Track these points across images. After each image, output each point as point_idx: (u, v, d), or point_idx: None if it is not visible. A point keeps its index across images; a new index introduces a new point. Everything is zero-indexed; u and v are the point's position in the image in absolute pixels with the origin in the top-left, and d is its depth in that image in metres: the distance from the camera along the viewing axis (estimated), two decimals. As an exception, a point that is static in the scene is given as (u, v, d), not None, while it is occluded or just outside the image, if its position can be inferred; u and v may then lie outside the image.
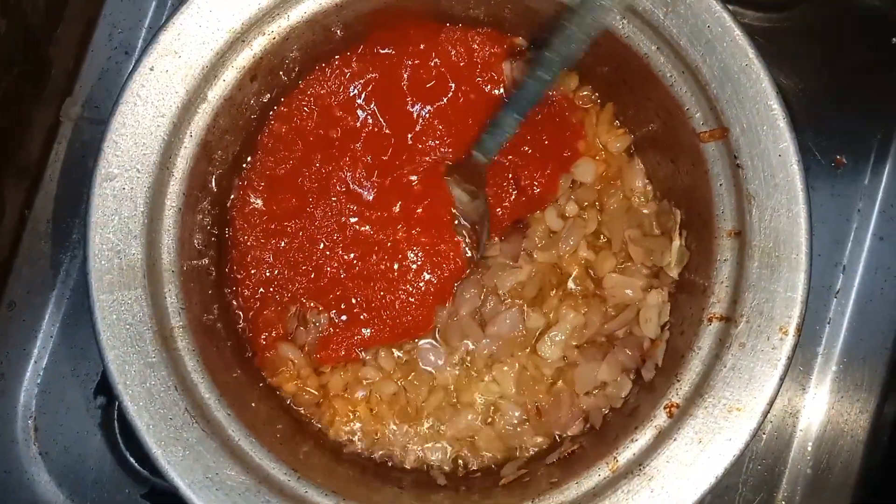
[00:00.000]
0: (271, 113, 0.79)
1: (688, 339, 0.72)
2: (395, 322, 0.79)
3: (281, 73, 0.76)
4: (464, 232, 0.80)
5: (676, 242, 0.77)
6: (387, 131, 0.80)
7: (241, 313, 0.79)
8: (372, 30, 0.78)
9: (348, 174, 0.79)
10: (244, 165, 0.79)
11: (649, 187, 0.81)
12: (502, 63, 0.80)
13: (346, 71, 0.79)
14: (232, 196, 0.79)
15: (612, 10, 0.70)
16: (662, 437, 0.69)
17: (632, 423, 0.72)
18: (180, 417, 0.67)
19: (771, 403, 0.68)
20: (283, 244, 0.79)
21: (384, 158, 0.80)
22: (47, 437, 0.90)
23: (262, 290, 0.79)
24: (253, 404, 0.74)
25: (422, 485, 0.77)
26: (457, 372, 0.80)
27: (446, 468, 0.79)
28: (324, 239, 0.79)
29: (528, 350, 0.80)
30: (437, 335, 0.81)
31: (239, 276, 0.79)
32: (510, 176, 0.80)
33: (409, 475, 0.79)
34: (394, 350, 0.81)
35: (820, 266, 0.92)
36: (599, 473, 0.70)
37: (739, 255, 0.70)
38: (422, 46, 0.79)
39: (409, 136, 0.80)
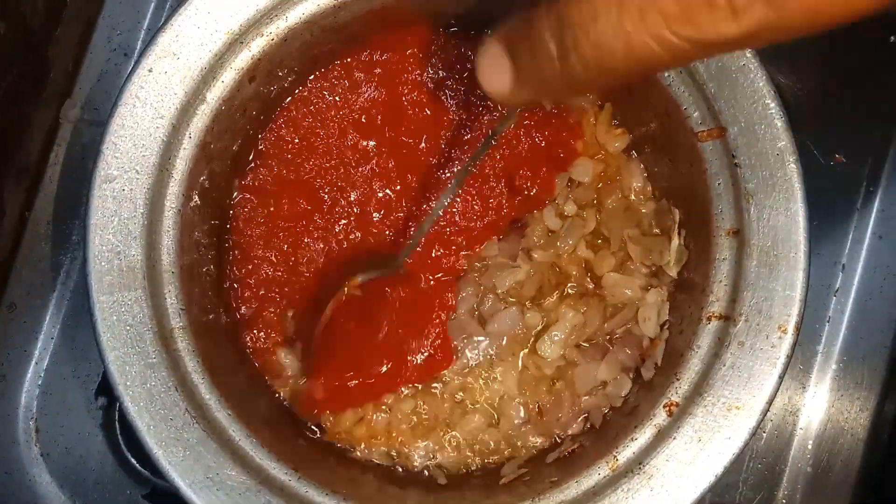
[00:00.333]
0: (271, 114, 0.79)
1: (687, 337, 0.72)
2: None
3: (280, 74, 0.76)
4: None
5: (675, 241, 0.77)
6: (387, 133, 0.80)
7: (241, 314, 0.79)
8: (370, 32, 0.78)
9: (348, 175, 0.79)
10: (244, 166, 0.79)
11: (648, 187, 0.81)
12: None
13: (347, 73, 0.79)
14: (232, 197, 0.79)
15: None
16: (662, 436, 0.69)
17: (631, 422, 0.72)
18: (181, 418, 0.67)
19: (770, 402, 0.68)
20: (283, 245, 0.79)
21: (384, 159, 0.79)
22: (48, 439, 0.90)
23: (262, 290, 0.79)
24: (253, 404, 0.74)
25: (423, 484, 0.77)
26: (465, 373, 0.80)
27: (449, 469, 0.79)
28: (324, 239, 0.79)
29: (527, 349, 0.80)
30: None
31: (239, 277, 0.79)
32: (505, 176, 0.80)
33: (410, 475, 0.79)
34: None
35: (819, 265, 0.92)
36: (599, 472, 0.70)
37: (738, 254, 0.70)
38: (419, 50, 0.79)
39: (410, 137, 0.79)
